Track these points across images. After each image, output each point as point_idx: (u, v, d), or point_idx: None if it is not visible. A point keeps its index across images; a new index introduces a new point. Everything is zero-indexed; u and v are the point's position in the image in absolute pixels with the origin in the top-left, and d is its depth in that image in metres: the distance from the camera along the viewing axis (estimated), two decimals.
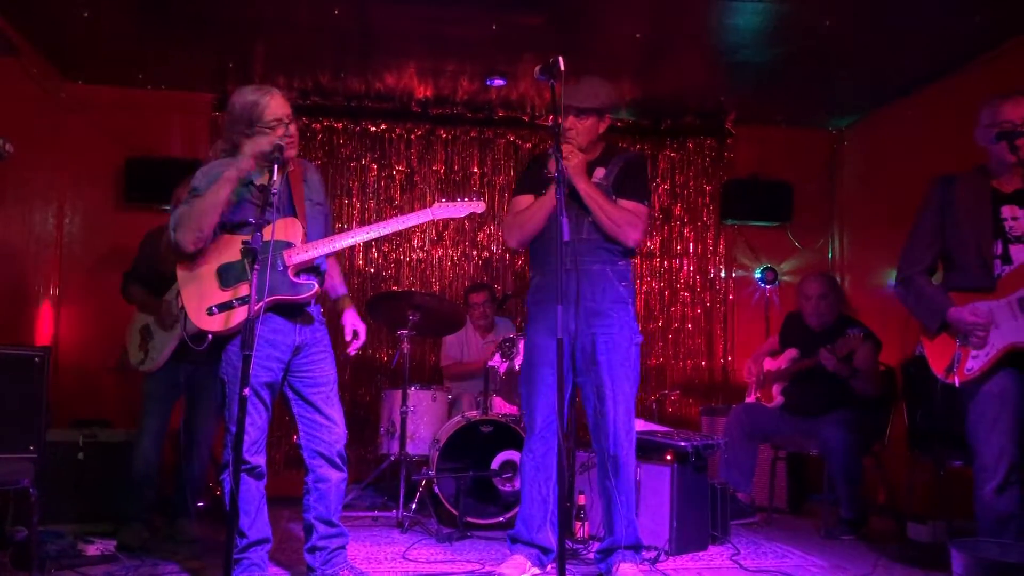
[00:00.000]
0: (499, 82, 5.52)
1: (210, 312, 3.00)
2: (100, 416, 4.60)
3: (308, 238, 3.13)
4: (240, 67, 5.26)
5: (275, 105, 3.06)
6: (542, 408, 3.37)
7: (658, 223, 6.32)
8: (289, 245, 3.08)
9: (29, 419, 3.27)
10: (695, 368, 6.29)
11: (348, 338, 3.34)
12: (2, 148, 2.94)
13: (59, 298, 5.53)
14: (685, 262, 6.34)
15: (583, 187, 3.28)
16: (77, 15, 4.53)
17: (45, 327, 5.40)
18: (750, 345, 5.93)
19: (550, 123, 3.03)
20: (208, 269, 3.05)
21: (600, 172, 3.40)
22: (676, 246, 6.34)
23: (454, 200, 3.27)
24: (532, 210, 3.39)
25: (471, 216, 3.73)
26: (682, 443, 3.96)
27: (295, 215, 3.14)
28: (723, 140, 6.35)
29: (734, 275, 6.38)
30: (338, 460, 3.19)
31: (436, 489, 4.42)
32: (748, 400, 5.13)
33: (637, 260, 6.24)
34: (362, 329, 3.38)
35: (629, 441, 3.35)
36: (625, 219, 3.33)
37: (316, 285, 3.10)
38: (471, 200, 3.28)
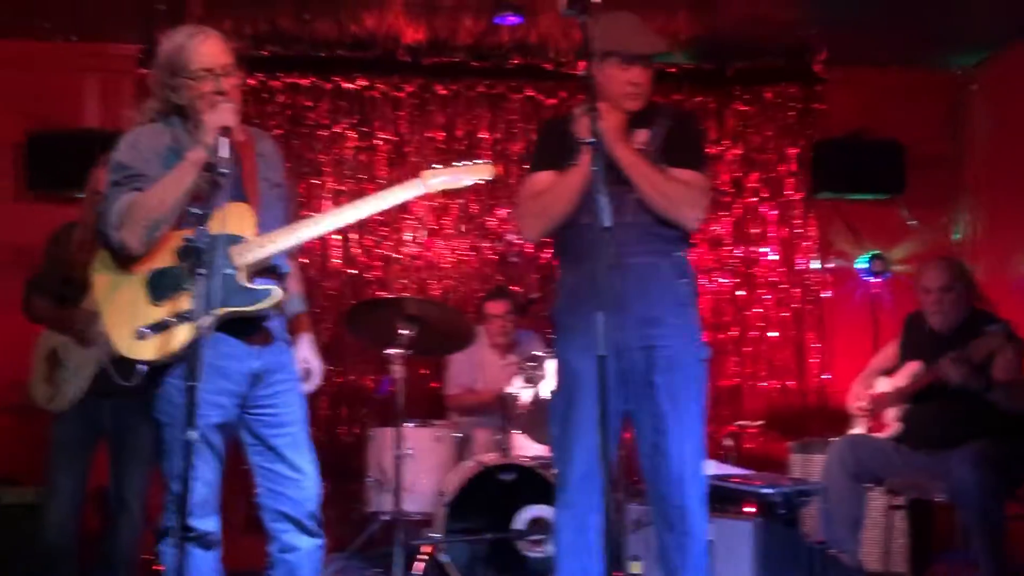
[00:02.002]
0: (512, 19, 5.52)
1: (141, 336, 2.99)
2: (3, 472, 4.63)
3: (263, 229, 3.12)
4: (174, 9, 5.28)
5: (206, 51, 3.05)
6: (582, 453, 3.33)
7: (727, 199, 6.30)
8: (238, 240, 3.06)
9: None
10: (782, 391, 6.29)
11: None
12: None
13: None
14: (765, 250, 6.33)
15: (625, 155, 3.25)
16: None
17: None
18: (855, 358, 5.88)
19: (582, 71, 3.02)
20: (136, 278, 3.05)
21: (643, 135, 3.38)
22: (752, 229, 6.34)
23: (451, 165, 3.22)
24: (558, 189, 3.36)
25: (478, 189, 3.68)
26: (766, 489, 3.99)
27: (245, 200, 3.13)
28: (812, 87, 6.34)
29: (831, 265, 6.36)
30: (310, 523, 3.18)
31: (443, 557, 4.43)
32: (854, 431, 5.09)
33: (703, 249, 6.22)
34: (317, 367, 3.35)
35: (698, 487, 3.35)
36: (680, 194, 3.31)
37: (278, 291, 3.09)
38: (475, 163, 3.23)
